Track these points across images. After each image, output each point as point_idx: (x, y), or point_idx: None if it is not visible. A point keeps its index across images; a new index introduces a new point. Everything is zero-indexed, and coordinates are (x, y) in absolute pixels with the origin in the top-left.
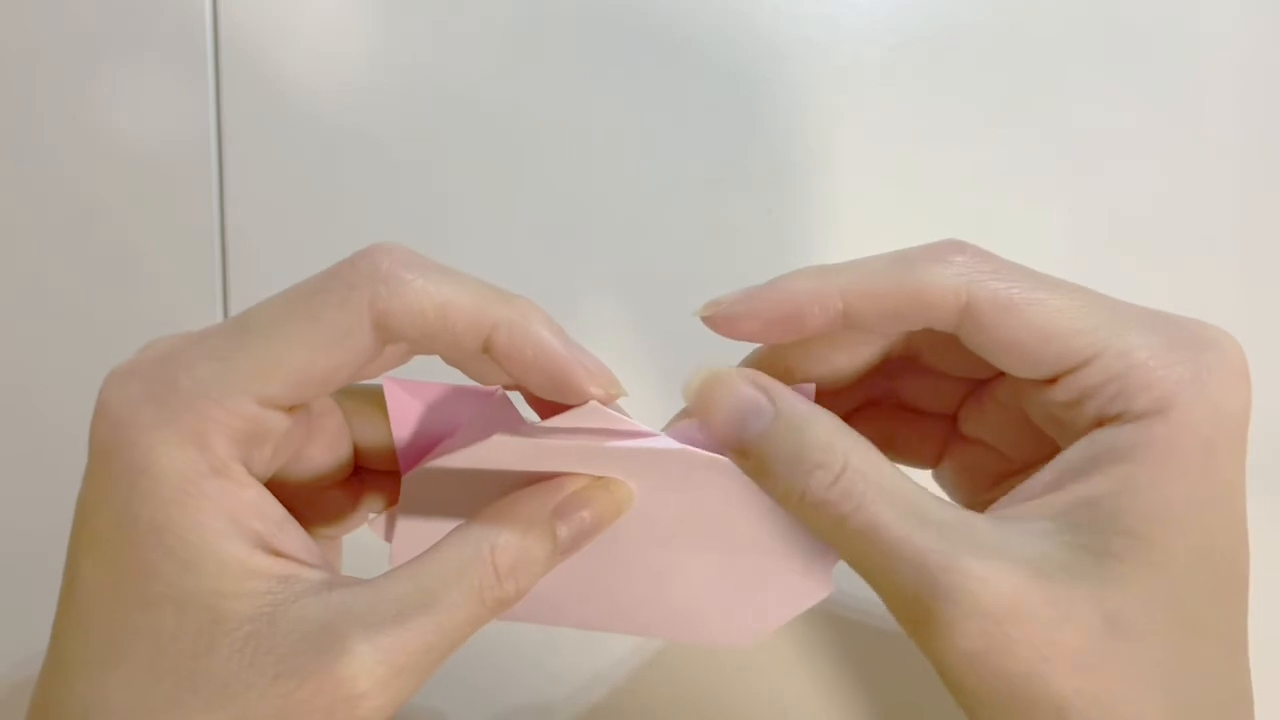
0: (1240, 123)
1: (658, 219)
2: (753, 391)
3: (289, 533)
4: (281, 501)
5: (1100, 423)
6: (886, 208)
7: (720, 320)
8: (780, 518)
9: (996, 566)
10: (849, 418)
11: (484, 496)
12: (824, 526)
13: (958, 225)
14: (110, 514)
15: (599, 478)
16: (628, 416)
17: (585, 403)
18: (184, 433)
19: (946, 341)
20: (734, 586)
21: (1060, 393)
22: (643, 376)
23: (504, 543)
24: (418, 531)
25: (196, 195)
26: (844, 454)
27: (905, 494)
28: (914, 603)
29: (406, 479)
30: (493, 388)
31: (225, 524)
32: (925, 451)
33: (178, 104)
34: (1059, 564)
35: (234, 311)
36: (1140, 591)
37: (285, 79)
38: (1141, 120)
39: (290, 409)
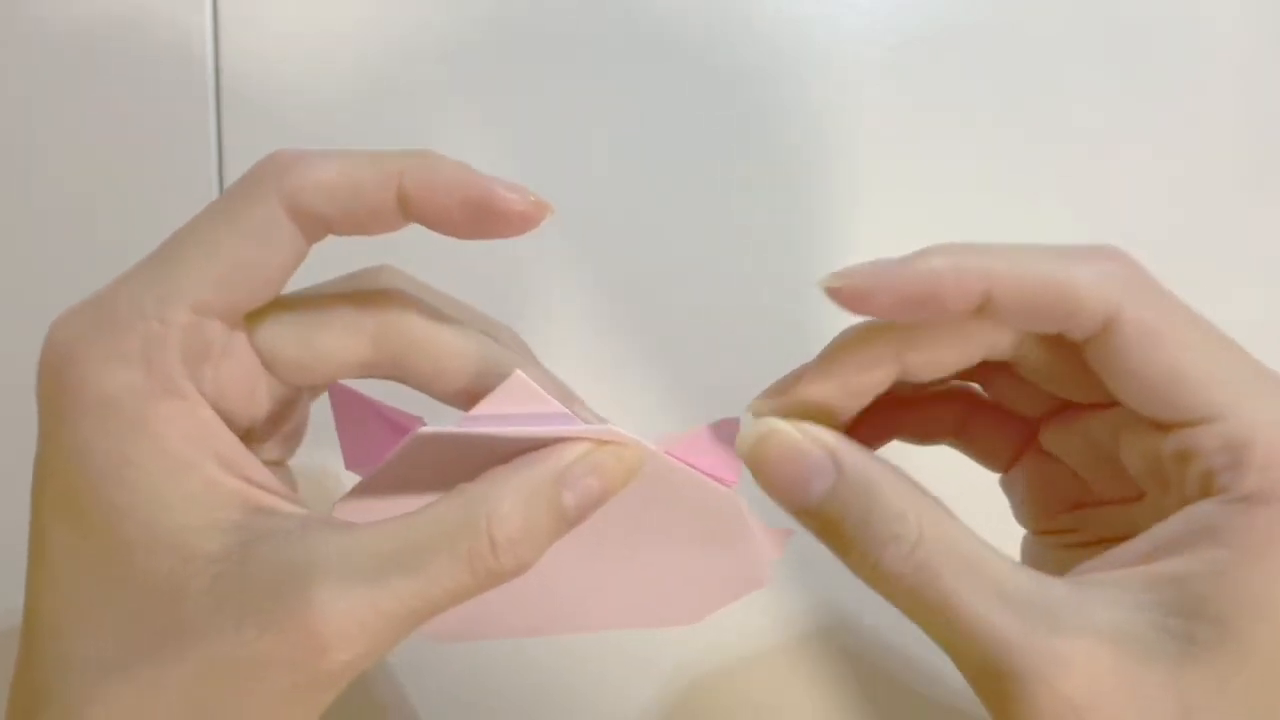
0: (1241, 122)
1: (657, 220)
2: (814, 448)
3: (251, 460)
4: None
5: (1204, 490)
6: (886, 207)
7: (849, 294)
8: (720, 512)
9: (1075, 646)
10: (919, 400)
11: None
12: (895, 596)
13: (958, 225)
14: (67, 458)
15: (606, 441)
16: (544, 392)
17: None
18: (128, 353)
19: (1057, 356)
20: (675, 577)
21: (1171, 442)
22: (644, 380)
23: (504, 511)
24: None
25: (197, 196)
26: (918, 522)
27: (982, 564)
28: (993, 679)
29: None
30: (416, 418)
31: (187, 447)
32: (998, 453)
33: (177, 107)
34: (1140, 642)
35: None
36: (1220, 683)
37: (285, 81)
38: (1142, 120)
39: (230, 322)
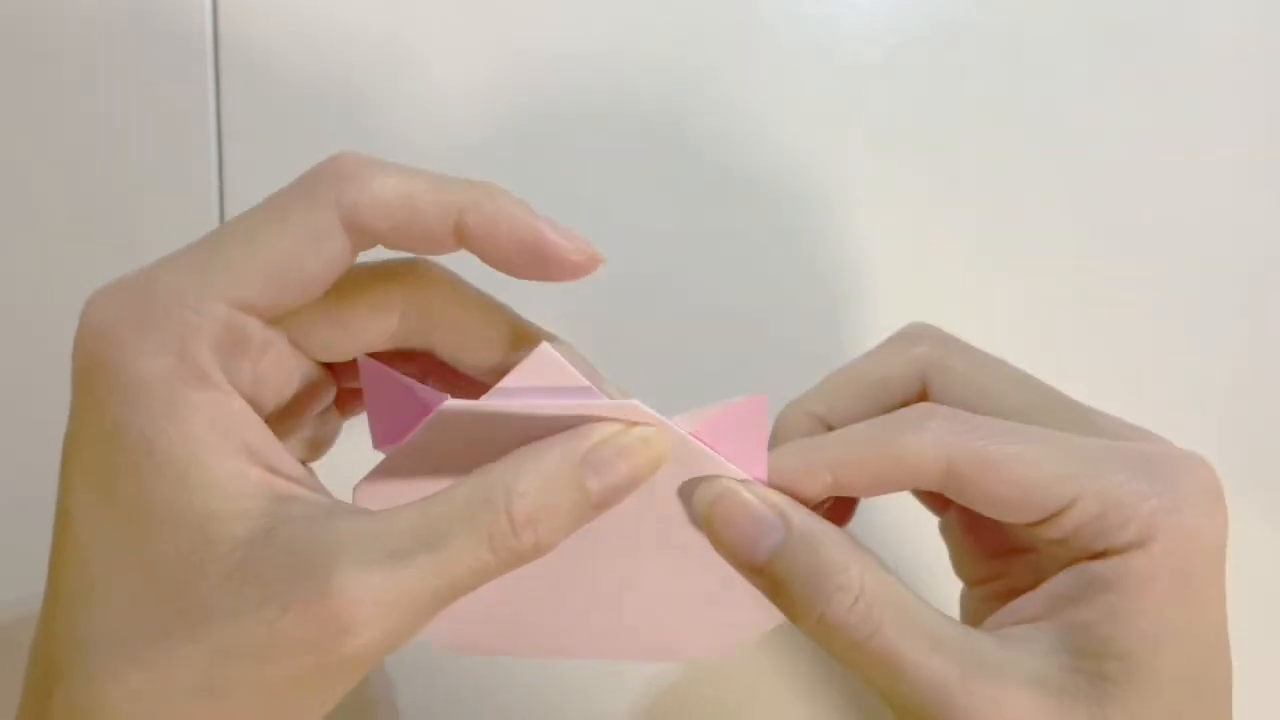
0: (1242, 122)
1: (656, 221)
2: (764, 509)
3: (280, 451)
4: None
5: (1087, 557)
6: (886, 207)
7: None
8: None
9: (1006, 690)
10: None
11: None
12: (839, 648)
13: (958, 224)
14: (98, 435)
15: (633, 424)
16: (576, 371)
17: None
18: (164, 341)
19: None
20: (698, 595)
21: (1046, 531)
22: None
23: (524, 488)
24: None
25: (196, 195)
26: (860, 576)
27: (917, 615)
28: None
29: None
30: (443, 396)
31: (215, 436)
32: (933, 495)
33: (178, 104)
34: (1060, 685)
35: None
36: (1132, 711)
37: (286, 78)
38: (1142, 120)
39: (269, 319)
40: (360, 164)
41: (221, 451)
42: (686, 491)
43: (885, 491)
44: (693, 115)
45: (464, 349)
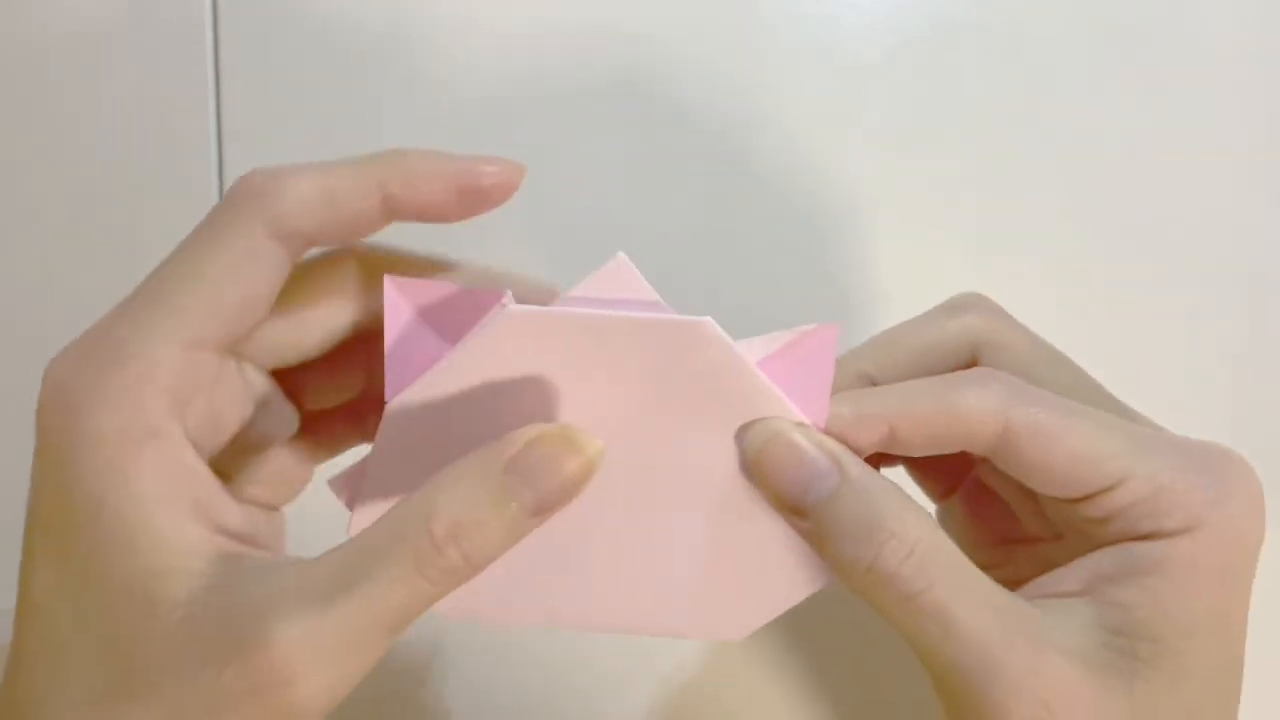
0: (1242, 122)
1: (656, 221)
2: (818, 453)
3: (228, 506)
4: (220, 465)
5: (1130, 538)
6: (886, 208)
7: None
8: None
9: (1050, 658)
10: None
11: (473, 439)
12: (888, 600)
13: (957, 224)
14: (53, 492)
15: (563, 427)
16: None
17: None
18: (115, 394)
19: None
20: (724, 562)
21: (1090, 509)
22: None
23: (444, 505)
24: (390, 486)
25: (196, 194)
26: (915, 529)
27: (969, 576)
28: (968, 684)
29: (390, 412)
30: (499, 290)
31: (162, 491)
32: (937, 480)
33: (178, 104)
34: (1095, 660)
35: None
36: (1160, 694)
37: (286, 78)
38: (1142, 120)
39: (220, 352)
40: (272, 174)
41: (168, 509)
42: (741, 432)
43: (936, 450)
44: (693, 115)
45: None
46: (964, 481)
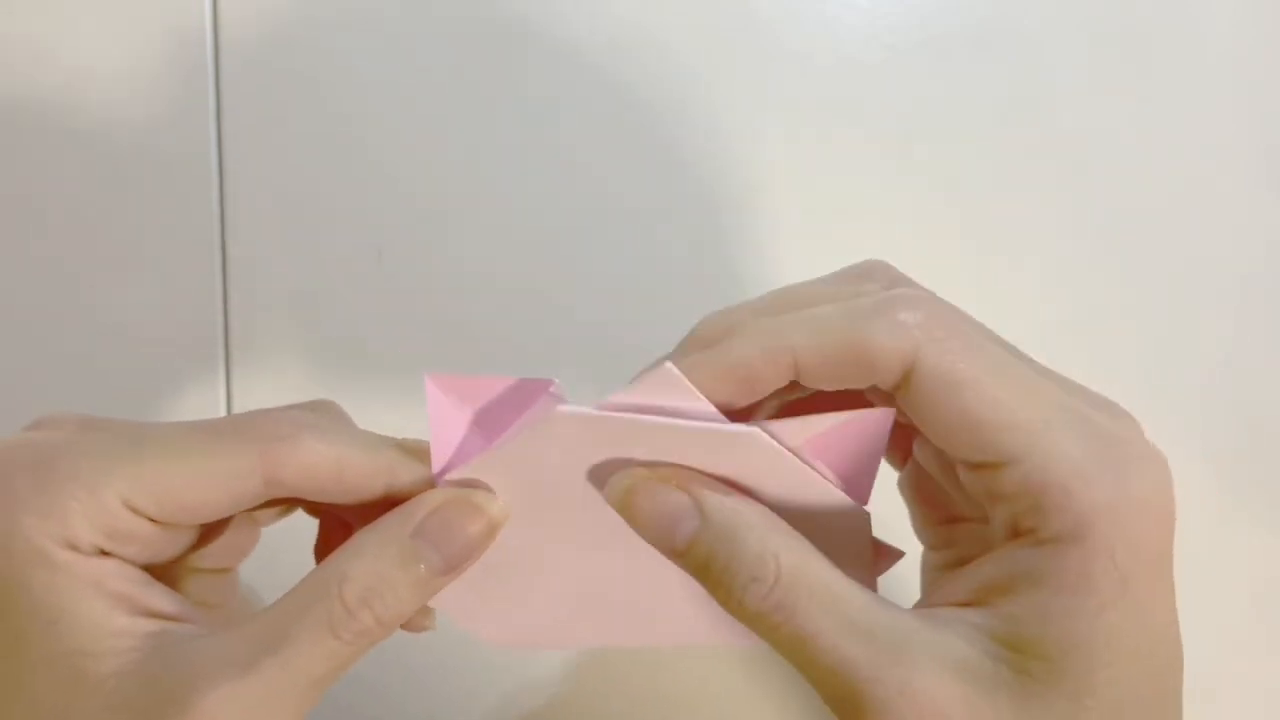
0: (1240, 122)
1: (656, 221)
2: (677, 497)
3: (157, 594)
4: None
5: (1015, 531)
6: (885, 207)
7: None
8: (841, 528)
9: (917, 672)
10: (808, 401)
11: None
12: (760, 633)
13: (957, 225)
14: None
15: (466, 492)
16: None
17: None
18: (48, 507)
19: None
20: None
21: (981, 481)
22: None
23: (354, 571)
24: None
25: (196, 195)
26: (775, 562)
27: (837, 599)
28: (848, 707)
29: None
30: (546, 380)
31: (84, 587)
32: (895, 444)
33: (178, 104)
34: (980, 672)
35: (234, 312)
36: (1058, 714)
37: (286, 78)
38: (1141, 120)
39: (158, 523)
40: (294, 425)
41: (90, 599)
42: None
43: (845, 385)
44: (692, 115)
45: (343, 495)
46: (908, 454)
